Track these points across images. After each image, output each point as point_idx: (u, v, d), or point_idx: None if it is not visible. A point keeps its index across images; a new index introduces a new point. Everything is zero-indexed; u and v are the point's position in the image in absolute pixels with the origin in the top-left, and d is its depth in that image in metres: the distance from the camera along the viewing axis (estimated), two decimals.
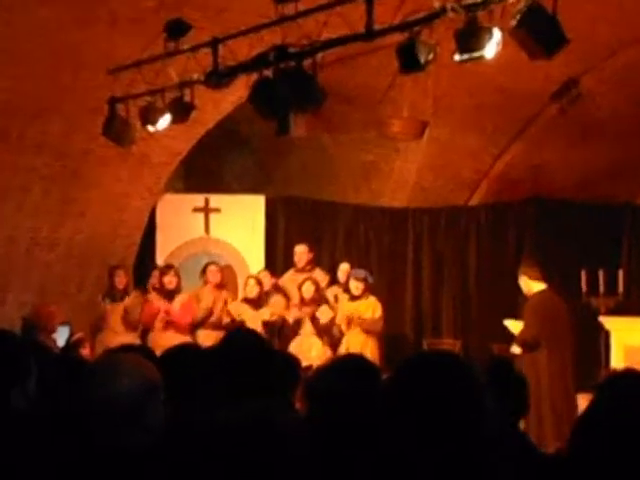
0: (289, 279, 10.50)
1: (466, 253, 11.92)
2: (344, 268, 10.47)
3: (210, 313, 9.93)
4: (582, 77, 10.81)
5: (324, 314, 9.75)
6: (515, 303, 11.76)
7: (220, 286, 10.28)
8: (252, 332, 3.81)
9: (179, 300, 9.85)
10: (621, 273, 10.88)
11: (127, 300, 9.75)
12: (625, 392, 2.35)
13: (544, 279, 8.92)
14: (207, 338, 9.14)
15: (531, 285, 8.93)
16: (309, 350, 9.49)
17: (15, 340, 3.59)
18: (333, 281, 10.56)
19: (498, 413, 2.31)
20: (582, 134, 11.94)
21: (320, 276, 10.35)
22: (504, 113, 11.46)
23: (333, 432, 2.91)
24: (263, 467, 1.77)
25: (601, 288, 10.78)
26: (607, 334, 10.71)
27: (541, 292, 8.87)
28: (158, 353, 4.18)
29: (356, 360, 3.35)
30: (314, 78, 6.47)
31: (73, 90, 8.85)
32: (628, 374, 2.55)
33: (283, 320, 9.84)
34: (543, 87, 10.93)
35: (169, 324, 9.61)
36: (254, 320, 9.54)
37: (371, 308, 9.82)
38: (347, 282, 10.17)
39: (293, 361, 4.09)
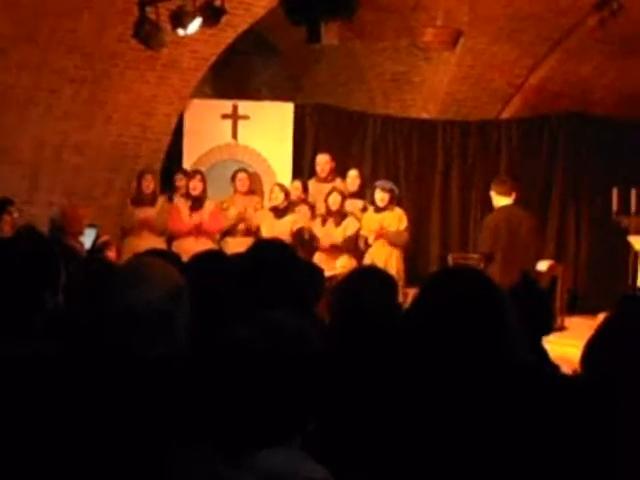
0: (312, 188, 10.50)
1: (496, 167, 11.80)
2: (352, 175, 10.41)
3: (239, 221, 9.99)
4: None
5: (350, 225, 9.78)
6: (545, 219, 11.78)
7: (249, 192, 10.34)
8: (278, 241, 3.84)
9: (208, 208, 9.87)
10: None
11: (154, 209, 9.79)
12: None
13: (510, 194, 8.86)
14: (238, 245, 9.18)
15: (497, 200, 8.91)
16: (334, 261, 9.58)
17: (46, 241, 3.65)
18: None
19: (521, 331, 2.33)
20: (622, 48, 11.69)
21: (341, 186, 10.34)
22: (542, 24, 11.23)
23: (354, 344, 2.97)
24: (277, 381, 1.80)
25: (632, 207, 10.70)
26: (636, 254, 10.69)
27: (503, 207, 8.85)
28: (184, 259, 4.24)
29: (373, 272, 3.41)
30: None
31: None
32: None
33: (310, 230, 9.88)
34: None
35: (200, 233, 9.61)
36: (277, 228, 9.58)
37: (396, 220, 9.81)
38: (359, 190, 10.21)
39: (317, 271, 4.13)
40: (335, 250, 9.65)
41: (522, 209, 9.06)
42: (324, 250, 9.67)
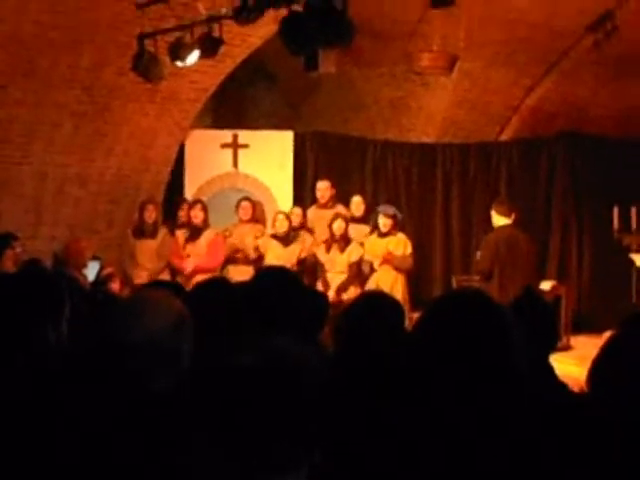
0: (313, 215, 10.56)
1: (497, 189, 11.84)
2: (356, 200, 10.50)
3: (234, 252, 9.98)
4: (617, 10, 10.57)
5: (354, 251, 9.77)
6: (547, 239, 11.78)
7: (252, 221, 10.33)
8: (282, 268, 3.83)
9: (205, 238, 9.85)
10: None
11: (156, 240, 9.78)
12: None
13: (510, 215, 9.10)
14: (238, 273, 9.19)
15: (497, 220, 9.16)
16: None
17: (49, 274, 3.64)
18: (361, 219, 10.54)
19: (526, 350, 2.31)
20: (617, 69, 11.74)
21: (343, 212, 10.36)
22: (537, 47, 11.28)
23: (360, 368, 2.95)
24: (279, 409, 1.78)
25: (633, 225, 10.73)
26: (638, 271, 10.68)
27: (502, 227, 9.08)
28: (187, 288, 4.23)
29: (381, 298, 3.38)
30: (344, 13, 6.38)
31: (103, 25, 8.81)
32: None
33: (314, 257, 9.88)
34: (577, 20, 10.72)
35: (199, 272, 9.55)
36: (283, 256, 9.57)
37: (401, 245, 9.80)
38: (364, 216, 10.24)
39: (322, 298, 4.11)
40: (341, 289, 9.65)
41: (521, 231, 9.17)
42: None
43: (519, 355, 2.25)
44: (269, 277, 3.54)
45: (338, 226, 9.78)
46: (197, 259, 9.70)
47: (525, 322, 3.03)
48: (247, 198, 10.51)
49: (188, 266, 9.65)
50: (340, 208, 10.45)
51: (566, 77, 12.01)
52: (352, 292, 9.25)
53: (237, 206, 10.35)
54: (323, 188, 10.60)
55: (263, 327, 3.05)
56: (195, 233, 9.85)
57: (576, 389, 2.66)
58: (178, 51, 7.95)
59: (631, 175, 11.49)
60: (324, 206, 10.51)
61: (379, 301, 3.26)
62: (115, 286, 8.45)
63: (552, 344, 3.94)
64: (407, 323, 3.57)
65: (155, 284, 4.36)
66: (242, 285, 3.66)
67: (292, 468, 1.77)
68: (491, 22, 10.67)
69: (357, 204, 10.45)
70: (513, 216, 9.10)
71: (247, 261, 9.91)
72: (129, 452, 2.11)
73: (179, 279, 9.10)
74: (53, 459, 1.96)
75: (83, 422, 2.19)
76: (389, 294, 3.50)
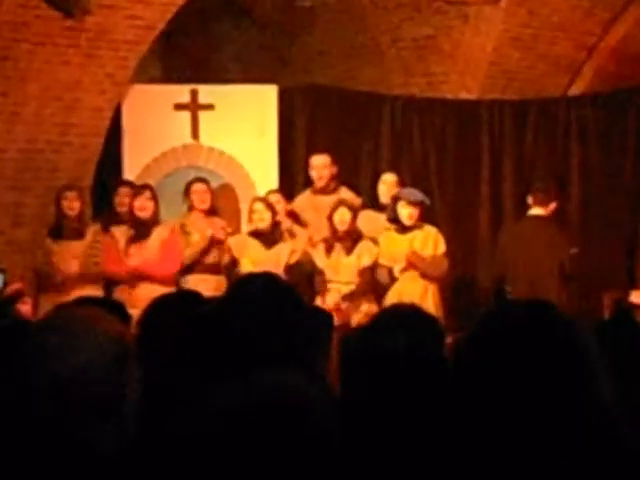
0: (306, 203, 10.61)
1: (566, 162, 11.88)
2: (389, 180, 10.51)
3: (204, 251, 9.94)
4: None
5: (365, 252, 9.77)
6: (636, 231, 11.83)
7: (211, 212, 10.31)
8: (269, 276, 3.81)
9: (157, 237, 9.81)
10: None
11: (83, 242, 9.77)
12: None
13: (546, 204, 9.90)
14: (200, 284, 9.13)
15: (531, 209, 10.00)
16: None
17: None
18: (373, 204, 10.54)
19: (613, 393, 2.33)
20: None
21: (348, 199, 10.29)
22: None
23: (376, 416, 2.94)
24: (271, 464, 1.80)
25: None
26: None
27: (526, 218, 10.11)
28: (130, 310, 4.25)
29: (410, 315, 3.35)
30: None
31: None
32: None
33: (310, 262, 9.83)
34: None
35: (143, 278, 9.54)
36: (264, 262, 9.54)
37: (430, 242, 9.83)
38: (394, 205, 10.13)
39: (325, 317, 4.10)
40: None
41: (553, 223, 9.95)
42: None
43: (603, 389, 2.26)
44: (250, 287, 3.51)
45: (341, 218, 9.77)
46: (145, 263, 9.66)
47: (612, 349, 3.07)
48: (202, 179, 10.44)
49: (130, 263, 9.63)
50: (344, 192, 10.48)
51: None
52: (365, 309, 9.24)
53: (187, 191, 10.27)
54: (320, 165, 10.60)
55: (244, 359, 3.02)
56: (142, 231, 9.78)
57: None
58: None
59: None
60: (322, 191, 10.54)
61: (407, 318, 3.22)
62: (25, 307, 8.46)
63: None
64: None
65: (81, 302, 4.37)
66: (211, 301, 3.66)
67: None
68: None
69: (390, 185, 10.42)
70: (552, 206, 9.84)
71: (213, 268, 9.88)
72: None
73: (117, 294, 9.07)
74: None
75: None
76: (420, 309, 3.47)
